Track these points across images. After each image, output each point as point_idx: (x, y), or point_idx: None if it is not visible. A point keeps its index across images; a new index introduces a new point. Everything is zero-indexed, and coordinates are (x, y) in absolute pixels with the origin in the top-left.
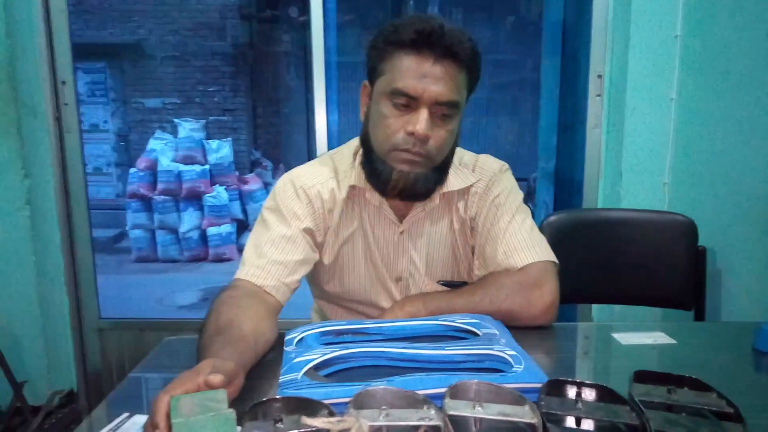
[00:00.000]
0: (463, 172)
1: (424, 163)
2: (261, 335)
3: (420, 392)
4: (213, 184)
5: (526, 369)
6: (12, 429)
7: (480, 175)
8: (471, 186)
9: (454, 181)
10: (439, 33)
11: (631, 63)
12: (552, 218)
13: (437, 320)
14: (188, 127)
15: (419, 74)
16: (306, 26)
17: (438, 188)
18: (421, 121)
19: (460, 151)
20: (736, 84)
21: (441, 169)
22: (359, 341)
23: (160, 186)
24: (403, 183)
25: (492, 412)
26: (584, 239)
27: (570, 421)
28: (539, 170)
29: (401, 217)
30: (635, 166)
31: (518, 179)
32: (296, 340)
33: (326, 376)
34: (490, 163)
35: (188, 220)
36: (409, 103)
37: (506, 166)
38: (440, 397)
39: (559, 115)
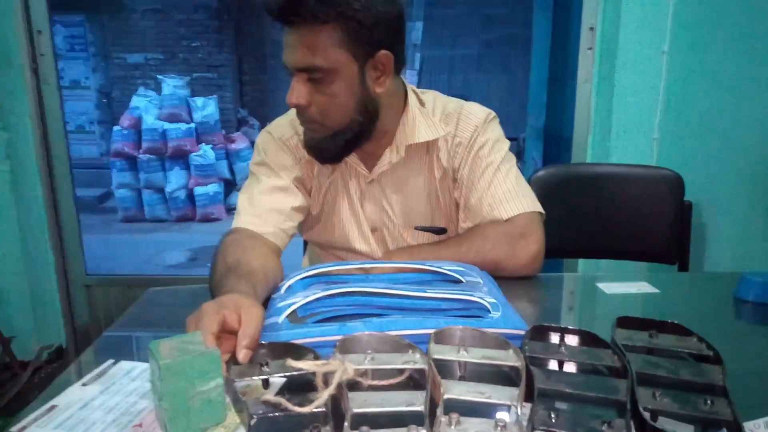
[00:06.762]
0: (434, 124)
1: (317, 129)
2: (270, 270)
3: (396, 333)
4: (199, 142)
5: (503, 316)
6: (1, 383)
7: (465, 124)
8: (455, 136)
9: (423, 132)
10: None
11: (624, 15)
12: (540, 173)
13: (423, 265)
14: (172, 84)
15: (286, 45)
16: None
17: (355, 149)
18: (290, 90)
19: (444, 100)
20: (728, 37)
21: (348, 132)
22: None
23: (144, 145)
24: (309, 147)
25: (476, 356)
26: (572, 194)
27: (553, 365)
28: (528, 127)
29: (371, 167)
30: (625, 121)
31: (507, 139)
32: (285, 287)
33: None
34: (476, 112)
35: (175, 180)
36: (292, 73)
37: (492, 114)
38: (423, 341)
39: (550, 70)
